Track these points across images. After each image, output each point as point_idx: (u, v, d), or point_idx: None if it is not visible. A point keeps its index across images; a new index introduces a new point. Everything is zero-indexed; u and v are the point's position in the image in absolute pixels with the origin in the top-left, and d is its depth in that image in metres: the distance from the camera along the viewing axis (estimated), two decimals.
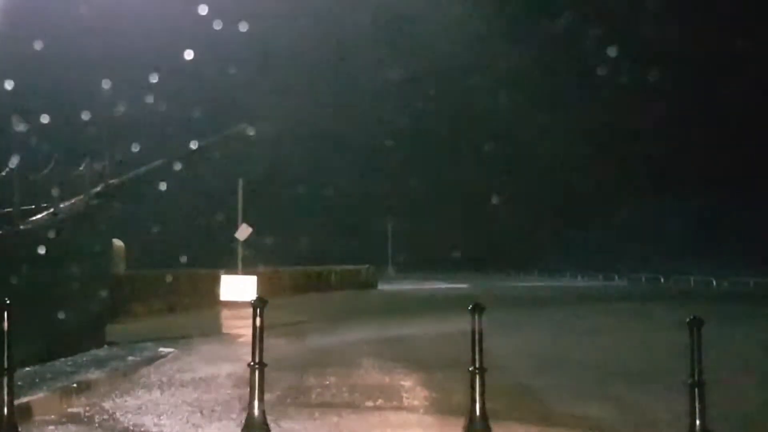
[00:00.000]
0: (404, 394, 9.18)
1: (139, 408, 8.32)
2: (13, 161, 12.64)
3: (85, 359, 11.44)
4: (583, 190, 59.59)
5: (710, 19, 50.90)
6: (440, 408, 8.33)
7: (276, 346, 11.77)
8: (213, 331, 16.79)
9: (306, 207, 49.42)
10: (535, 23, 54.76)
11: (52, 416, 7.91)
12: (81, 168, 14.64)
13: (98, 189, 14.87)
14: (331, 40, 43.91)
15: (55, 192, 13.39)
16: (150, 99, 25.24)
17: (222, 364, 11.47)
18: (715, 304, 25.39)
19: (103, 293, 13.79)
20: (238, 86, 36.65)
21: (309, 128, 45.95)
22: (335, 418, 7.83)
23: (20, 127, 18.24)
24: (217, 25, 26.41)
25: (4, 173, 12.67)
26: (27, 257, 11.33)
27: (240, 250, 22.60)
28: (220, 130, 22.27)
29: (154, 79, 24.26)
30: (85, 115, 20.25)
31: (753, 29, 48.05)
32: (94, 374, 10.02)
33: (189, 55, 23.89)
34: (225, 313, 20.36)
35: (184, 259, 25.92)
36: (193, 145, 20.20)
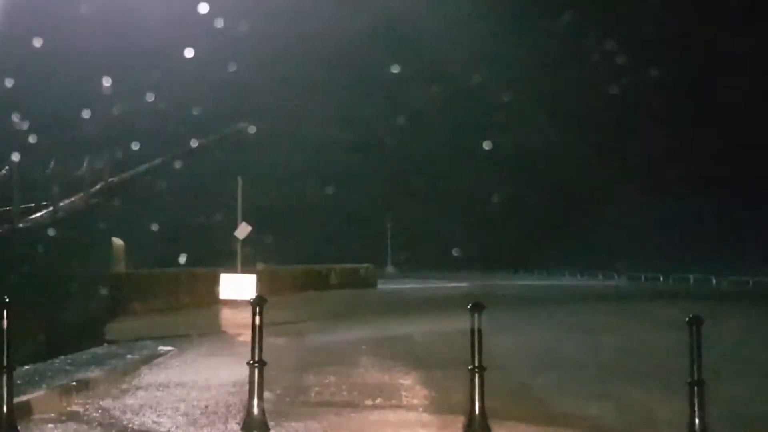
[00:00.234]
0: (403, 393, 9.18)
1: (139, 406, 8.32)
2: (14, 159, 12.66)
3: (84, 357, 11.43)
4: (583, 189, 59.61)
5: (711, 18, 50.91)
6: (439, 407, 8.33)
7: (275, 344, 11.76)
8: (212, 329, 16.79)
9: (306, 206, 49.41)
10: (536, 23, 54.79)
11: (52, 414, 7.90)
12: (81, 167, 14.66)
13: (98, 187, 14.88)
14: (331, 39, 43.88)
15: (55, 190, 13.40)
16: (150, 97, 25.27)
17: (221, 363, 11.47)
18: (714, 303, 25.38)
19: (103, 292, 13.82)
20: (238, 85, 36.64)
21: (309, 127, 45.96)
22: (335, 417, 7.83)
23: (20, 125, 18.25)
24: (217, 24, 26.42)
25: (4, 171, 12.69)
26: (27, 255, 11.34)
27: (239, 249, 22.59)
28: (220, 128, 22.29)
29: (154, 77, 24.28)
30: (86, 114, 20.28)
31: (753, 29, 48.01)
32: (93, 373, 10.02)
33: (189, 53, 23.90)
34: (224, 311, 20.36)
35: (183, 257, 25.93)
36: (193, 143, 20.23)
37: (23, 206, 12.67)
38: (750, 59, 49.26)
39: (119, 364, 10.96)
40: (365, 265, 37.41)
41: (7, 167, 12.70)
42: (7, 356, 6.44)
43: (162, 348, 12.93)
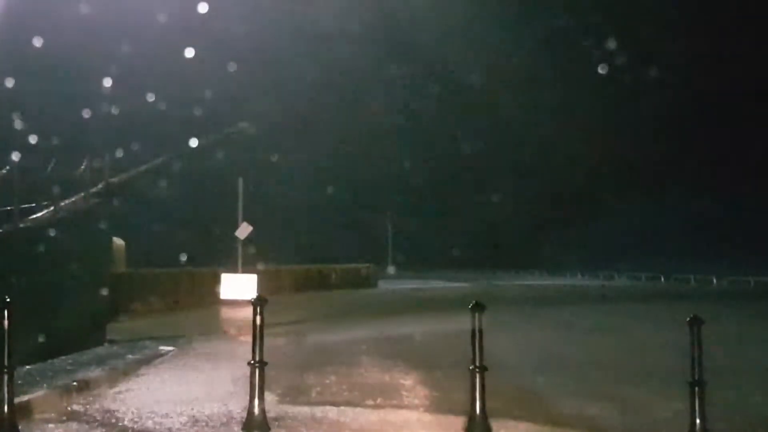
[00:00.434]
0: (404, 393, 9.18)
1: (139, 406, 8.32)
2: (14, 159, 12.67)
3: (85, 357, 11.44)
4: (584, 189, 59.60)
5: (711, 18, 50.89)
6: (440, 407, 8.33)
7: (276, 344, 11.78)
8: (213, 329, 16.78)
9: (306, 206, 49.41)
10: (536, 22, 54.77)
11: (53, 414, 7.90)
12: (81, 167, 14.67)
13: (98, 187, 14.89)
14: (331, 38, 43.89)
15: (55, 190, 13.41)
16: (150, 97, 25.26)
17: (222, 363, 11.48)
18: (715, 303, 25.37)
19: (104, 292, 13.82)
20: (238, 85, 36.63)
21: (309, 127, 45.96)
22: (335, 417, 7.83)
23: (21, 125, 18.26)
24: (218, 24, 26.42)
25: (4, 171, 12.69)
26: (27, 255, 11.34)
27: (240, 249, 22.59)
28: (221, 128, 22.30)
29: (154, 77, 24.28)
30: (86, 114, 20.29)
31: (754, 29, 48.03)
32: (94, 372, 10.02)
33: (190, 53, 23.90)
34: (225, 311, 20.36)
35: (184, 257, 25.94)
36: (193, 143, 20.24)
37: (24, 206, 12.69)
38: (751, 59, 49.27)
39: (120, 364, 10.96)
40: (366, 265, 37.41)
41: (7, 167, 12.70)
42: (8, 356, 6.45)
43: (163, 348, 12.93)
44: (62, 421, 7.63)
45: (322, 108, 46.61)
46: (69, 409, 8.23)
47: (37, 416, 7.77)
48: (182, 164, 18.72)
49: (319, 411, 8.09)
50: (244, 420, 6.84)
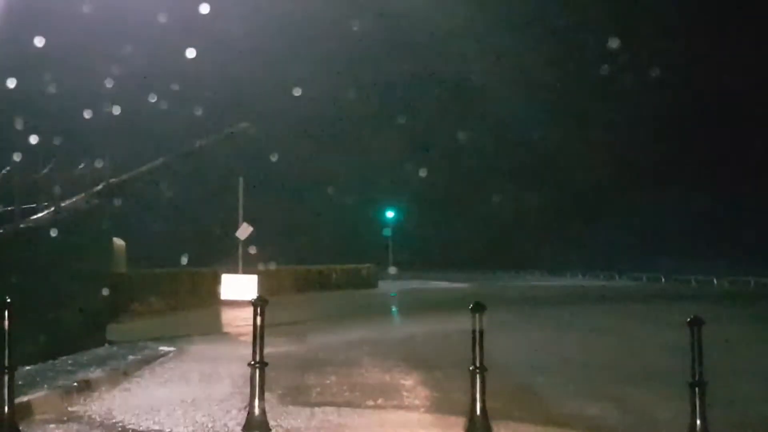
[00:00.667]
0: (405, 393, 9.18)
1: (140, 407, 8.32)
2: (15, 160, 12.67)
3: (85, 358, 11.43)
4: (585, 189, 59.63)
5: (711, 18, 50.91)
6: (441, 407, 8.33)
7: (277, 345, 11.77)
8: (214, 330, 16.79)
9: (307, 206, 49.45)
10: (537, 23, 54.78)
11: (53, 415, 7.91)
12: (82, 167, 14.66)
13: (99, 188, 14.87)
14: (331, 38, 43.91)
15: (56, 191, 13.41)
16: (151, 97, 25.26)
17: (222, 363, 11.47)
18: (715, 303, 25.37)
19: (104, 292, 13.80)
20: (238, 85, 36.66)
21: (309, 127, 45.98)
22: (336, 417, 7.83)
23: (21, 126, 18.25)
24: (218, 24, 26.42)
25: (5, 172, 12.70)
26: (28, 256, 11.34)
27: (241, 249, 22.60)
28: (221, 128, 22.27)
29: (155, 77, 24.28)
30: (87, 114, 20.28)
31: (754, 28, 48.01)
32: (94, 373, 10.02)
33: (191, 53, 23.88)
34: (226, 312, 20.36)
35: (184, 258, 25.94)
36: (194, 143, 20.19)
37: (24, 207, 12.69)
38: (751, 58, 49.27)
39: (120, 365, 10.95)
40: (366, 265, 37.42)
41: (8, 168, 12.71)
42: (9, 356, 6.45)
43: (163, 348, 12.93)
44: (63, 422, 7.63)
45: (322, 108, 46.62)
46: (69, 409, 8.24)
47: (37, 417, 7.77)
48: (183, 164, 18.70)
49: (319, 411, 8.09)
50: (244, 420, 6.83)
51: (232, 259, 22.85)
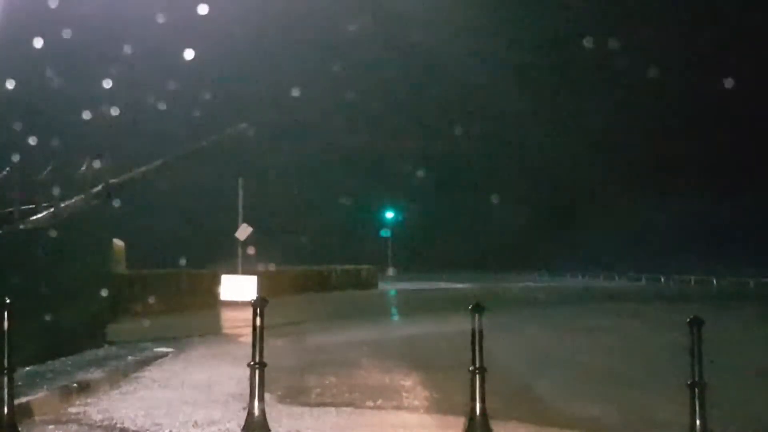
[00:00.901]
0: (404, 394, 9.18)
1: (139, 408, 8.32)
2: (14, 160, 12.65)
3: (85, 359, 11.42)
4: (584, 190, 59.65)
5: (712, 18, 50.91)
6: (440, 408, 8.33)
7: (276, 345, 11.77)
8: (213, 330, 16.78)
9: (306, 206, 49.44)
10: (537, 23, 54.80)
11: (52, 416, 7.90)
12: (81, 168, 14.63)
13: (98, 188, 14.84)
14: (332, 39, 43.92)
15: (55, 192, 13.39)
16: (151, 98, 25.25)
17: (222, 364, 11.47)
18: (715, 304, 25.39)
19: (103, 293, 13.77)
20: (237, 86, 36.65)
21: (309, 127, 45.99)
22: (335, 418, 7.83)
23: (20, 126, 18.23)
24: (218, 24, 26.40)
25: (4, 173, 12.68)
26: (27, 257, 11.33)
27: (240, 250, 22.59)
28: (221, 129, 22.25)
29: (154, 77, 24.27)
30: (86, 115, 20.25)
31: (754, 28, 48.02)
32: (94, 374, 10.01)
33: (190, 54, 23.87)
34: (225, 312, 20.35)
35: (184, 258, 25.93)
36: (194, 144, 20.16)
37: (24, 208, 12.67)
38: (751, 58, 49.27)
39: (120, 366, 10.95)
40: (366, 266, 37.42)
41: (8, 168, 12.69)
42: (8, 357, 6.44)
43: (163, 349, 12.92)
44: (62, 423, 7.63)
45: (322, 108, 46.61)
46: (69, 410, 8.23)
47: (37, 418, 7.77)
48: (182, 165, 18.67)
49: (319, 412, 8.09)
50: (244, 421, 6.83)
51: (231, 260, 22.85)
